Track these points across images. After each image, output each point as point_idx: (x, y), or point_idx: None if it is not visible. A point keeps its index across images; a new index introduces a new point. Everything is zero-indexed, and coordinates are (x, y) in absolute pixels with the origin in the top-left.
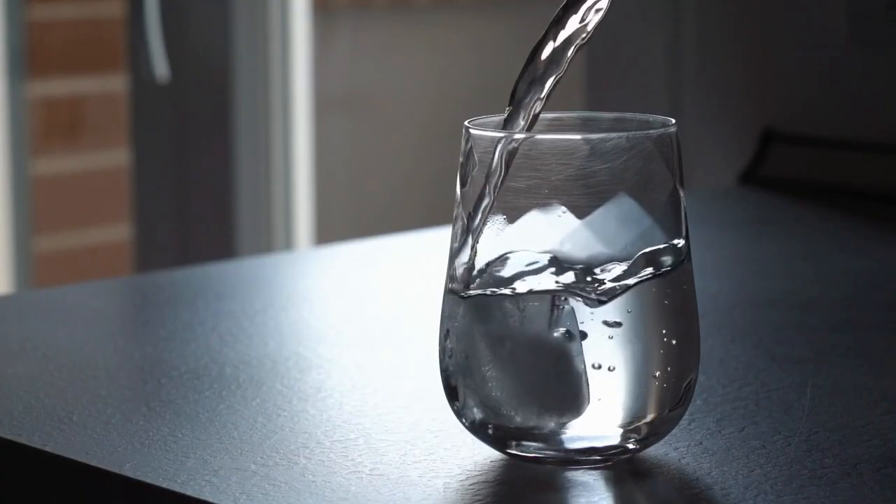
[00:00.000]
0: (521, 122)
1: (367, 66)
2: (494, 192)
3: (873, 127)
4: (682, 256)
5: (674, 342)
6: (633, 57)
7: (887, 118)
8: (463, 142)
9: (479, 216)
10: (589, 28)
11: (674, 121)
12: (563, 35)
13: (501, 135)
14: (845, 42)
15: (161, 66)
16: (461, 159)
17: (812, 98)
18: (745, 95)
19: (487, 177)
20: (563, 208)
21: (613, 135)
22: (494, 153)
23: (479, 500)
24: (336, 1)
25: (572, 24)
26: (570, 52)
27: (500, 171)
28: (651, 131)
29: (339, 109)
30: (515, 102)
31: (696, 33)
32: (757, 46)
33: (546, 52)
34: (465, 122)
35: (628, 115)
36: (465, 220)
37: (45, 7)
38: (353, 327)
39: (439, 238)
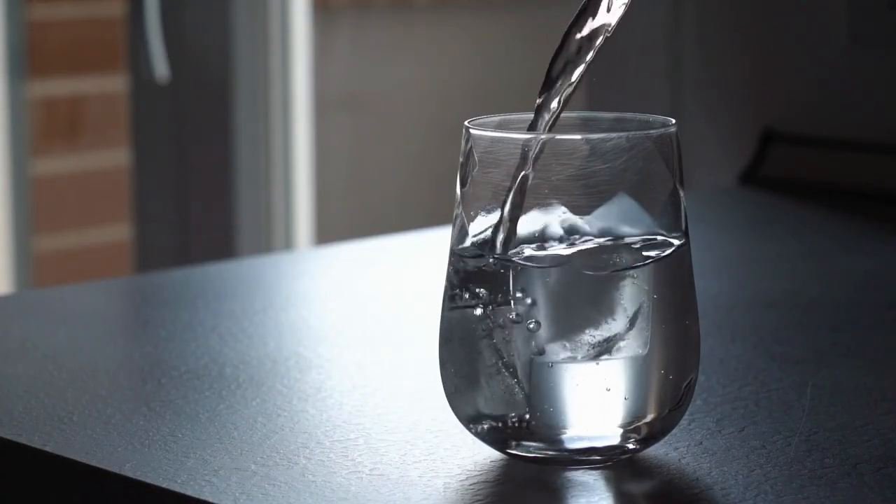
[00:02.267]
0: (554, 109)
1: (367, 66)
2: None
3: (873, 127)
4: (682, 256)
5: (674, 342)
6: (633, 57)
7: (887, 118)
8: (463, 142)
9: (510, 214)
10: (616, 14)
11: (674, 121)
12: (590, 23)
13: (528, 136)
14: (845, 42)
15: (161, 66)
16: (461, 159)
17: (812, 98)
18: (745, 95)
19: (516, 178)
20: (564, 208)
21: (613, 135)
22: (530, 152)
23: (479, 500)
24: (336, 1)
25: (601, 12)
26: (598, 40)
27: (531, 169)
28: (651, 131)
29: (339, 109)
30: (547, 89)
31: (696, 33)
32: (757, 46)
33: (575, 40)
34: (465, 122)
35: (628, 115)
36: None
37: (45, 7)
38: (353, 327)
39: (439, 238)
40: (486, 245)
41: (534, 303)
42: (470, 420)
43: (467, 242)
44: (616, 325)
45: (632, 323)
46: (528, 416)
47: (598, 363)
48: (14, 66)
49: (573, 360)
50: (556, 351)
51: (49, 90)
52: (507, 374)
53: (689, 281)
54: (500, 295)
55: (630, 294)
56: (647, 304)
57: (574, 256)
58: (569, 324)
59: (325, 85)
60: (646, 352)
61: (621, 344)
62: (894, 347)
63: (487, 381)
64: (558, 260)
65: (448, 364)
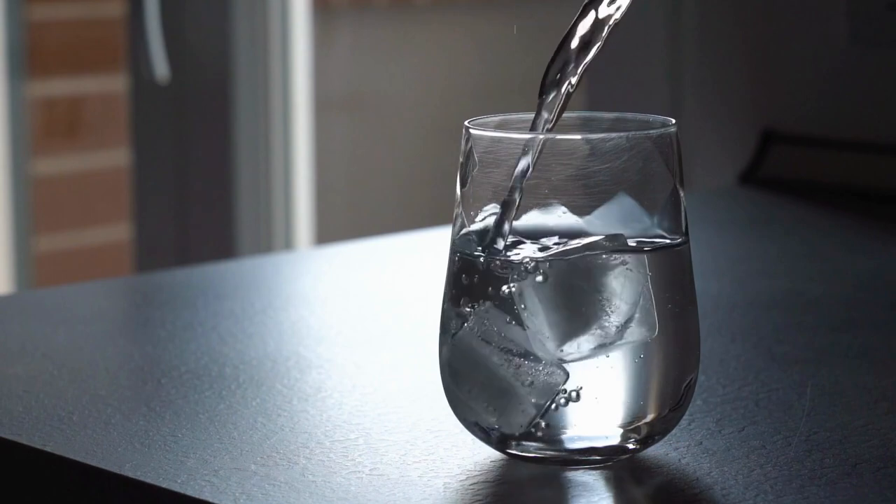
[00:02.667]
0: (555, 107)
1: (367, 66)
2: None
3: (873, 127)
4: (682, 256)
5: (674, 342)
6: (633, 57)
7: (887, 118)
8: (463, 142)
9: (510, 213)
10: (621, 8)
11: (674, 121)
12: (595, 16)
13: (528, 136)
14: (845, 42)
15: (161, 66)
16: (461, 159)
17: (812, 98)
18: (745, 95)
19: (517, 176)
20: (564, 208)
21: (613, 135)
22: (529, 152)
23: (479, 500)
24: (336, 1)
25: (603, 6)
26: (603, 33)
27: (531, 168)
28: (651, 131)
29: (339, 109)
30: (547, 87)
31: (696, 33)
32: (757, 46)
33: (578, 35)
34: (465, 122)
35: (628, 115)
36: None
37: (45, 7)
38: (353, 327)
39: (439, 238)
40: (486, 243)
41: (536, 300)
42: (524, 423)
43: (467, 242)
44: (618, 317)
45: (634, 314)
46: (569, 389)
47: (608, 356)
48: (14, 66)
49: (580, 357)
50: (565, 347)
51: (49, 90)
52: (528, 364)
53: (689, 281)
54: (500, 293)
55: (630, 289)
56: (649, 294)
57: (572, 252)
58: (571, 320)
59: (325, 85)
60: (646, 352)
61: (626, 333)
62: (894, 347)
63: (521, 382)
64: (558, 255)
65: (476, 389)
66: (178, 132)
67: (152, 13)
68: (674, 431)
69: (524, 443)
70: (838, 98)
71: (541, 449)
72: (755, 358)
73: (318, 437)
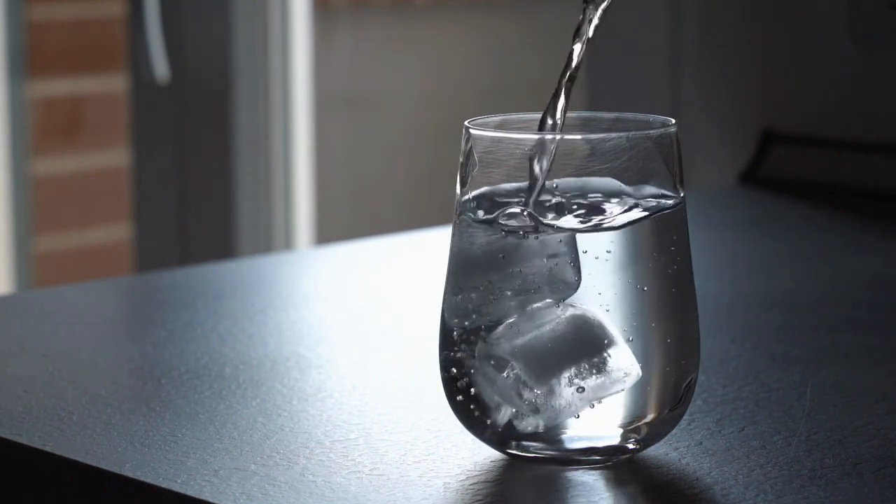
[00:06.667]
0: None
1: (367, 65)
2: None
3: (873, 127)
4: (683, 253)
5: (674, 341)
6: (633, 57)
7: (887, 118)
8: (463, 142)
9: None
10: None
11: (674, 121)
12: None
13: (528, 136)
14: (845, 42)
15: (161, 66)
16: (461, 159)
17: (812, 98)
18: (745, 95)
19: (538, 174)
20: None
21: (613, 135)
22: (546, 152)
23: (479, 500)
24: (336, 1)
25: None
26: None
27: (549, 165)
28: (651, 131)
29: (340, 109)
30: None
31: (697, 33)
32: (758, 46)
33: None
34: (465, 122)
35: (628, 115)
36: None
37: (45, 7)
38: (353, 327)
39: (439, 238)
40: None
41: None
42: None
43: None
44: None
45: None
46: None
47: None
48: (14, 66)
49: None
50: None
51: (49, 90)
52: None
53: (689, 279)
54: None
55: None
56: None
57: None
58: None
59: (325, 85)
60: (646, 353)
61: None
62: (894, 347)
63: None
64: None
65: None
66: (178, 132)
67: (152, 13)
68: (674, 431)
69: (524, 443)
70: (838, 98)
71: (541, 449)
72: (755, 358)
73: (318, 437)
